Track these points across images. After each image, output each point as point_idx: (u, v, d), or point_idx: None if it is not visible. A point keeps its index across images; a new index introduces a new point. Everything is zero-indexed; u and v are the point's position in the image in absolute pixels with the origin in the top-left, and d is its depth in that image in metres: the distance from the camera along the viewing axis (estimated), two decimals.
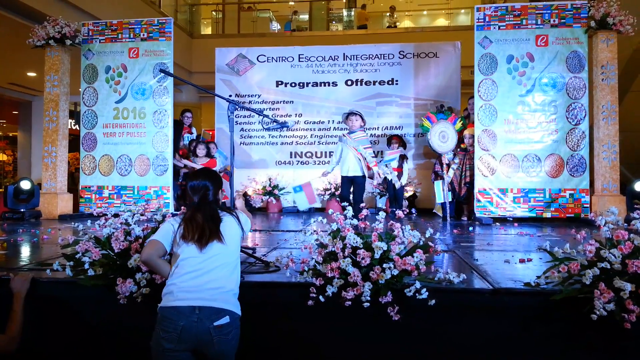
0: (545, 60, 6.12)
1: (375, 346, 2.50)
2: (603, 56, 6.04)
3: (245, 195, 8.05)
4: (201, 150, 7.14)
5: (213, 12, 14.81)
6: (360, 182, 5.54)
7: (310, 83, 8.30)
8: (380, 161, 6.81)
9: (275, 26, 15.14)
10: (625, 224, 2.42)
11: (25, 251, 3.90)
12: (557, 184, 6.08)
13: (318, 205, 7.01)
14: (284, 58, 8.37)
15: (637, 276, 2.19)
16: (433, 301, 2.31)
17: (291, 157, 8.31)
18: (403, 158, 7.09)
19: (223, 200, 2.48)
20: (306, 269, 2.53)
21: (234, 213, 2.38)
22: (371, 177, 5.61)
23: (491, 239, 4.63)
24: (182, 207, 2.67)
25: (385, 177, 6.90)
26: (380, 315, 2.34)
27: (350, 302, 2.32)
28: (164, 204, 6.45)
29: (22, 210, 6.28)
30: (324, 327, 2.53)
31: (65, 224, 5.90)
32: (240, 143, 8.30)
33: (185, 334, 2.00)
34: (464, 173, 6.49)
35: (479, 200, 6.14)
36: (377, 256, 2.39)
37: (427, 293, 2.32)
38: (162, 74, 6.55)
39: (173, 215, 2.53)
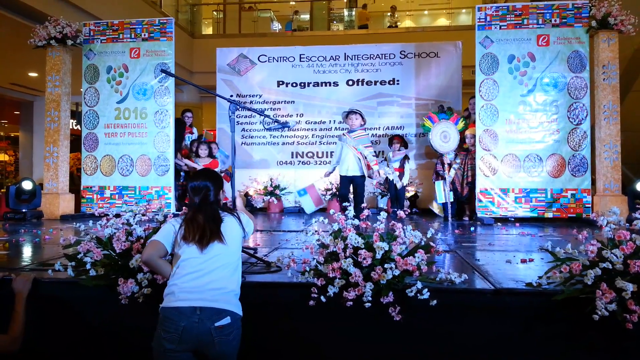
0: (547, 60, 6.11)
1: (376, 346, 2.51)
2: (604, 56, 6.04)
3: (246, 195, 8.05)
4: (203, 150, 7.14)
5: (214, 12, 14.83)
6: (360, 182, 5.52)
7: (311, 83, 8.30)
8: (382, 162, 6.81)
9: (276, 26, 15.14)
10: (627, 224, 2.42)
11: (27, 251, 3.90)
12: (559, 184, 6.08)
13: (322, 205, 7.00)
14: (285, 58, 8.37)
15: (639, 276, 2.18)
16: (435, 301, 2.31)
17: (292, 157, 8.32)
18: (405, 158, 7.08)
19: (224, 201, 2.48)
20: (307, 269, 2.53)
21: (235, 213, 2.38)
22: (371, 177, 5.58)
23: (493, 239, 4.63)
24: (184, 208, 2.67)
25: (387, 177, 6.91)
26: (381, 315, 2.34)
27: (351, 303, 2.32)
28: (165, 204, 6.45)
29: (23, 210, 6.29)
30: (325, 328, 2.53)
31: (67, 224, 5.90)
32: (242, 143, 8.30)
33: (187, 335, 2.01)
34: (466, 173, 6.48)
35: (480, 200, 6.14)
36: (378, 256, 2.39)
37: (428, 293, 2.31)
38: (163, 74, 6.56)
39: (174, 215, 2.54)
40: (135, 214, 2.82)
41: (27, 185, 6.41)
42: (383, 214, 2.56)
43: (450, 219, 6.33)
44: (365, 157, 5.46)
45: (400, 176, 6.91)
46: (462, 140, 6.55)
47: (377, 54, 8.18)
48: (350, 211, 2.58)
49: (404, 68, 8.12)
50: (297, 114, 8.30)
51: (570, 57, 6.08)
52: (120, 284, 2.50)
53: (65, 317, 2.74)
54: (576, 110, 6.07)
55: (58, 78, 6.84)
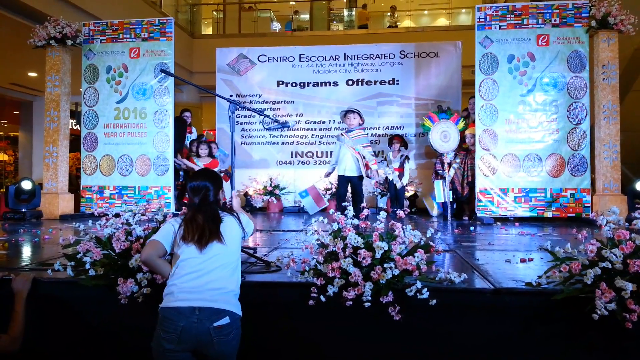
0: (546, 60, 6.11)
1: (376, 346, 2.51)
2: (604, 56, 6.04)
3: (246, 195, 8.05)
4: (203, 150, 7.14)
5: (214, 12, 14.83)
6: (357, 183, 5.48)
7: (311, 83, 8.31)
8: (382, 162, 6.80)
9: (276, 26, 15.15)
10: (627, 224, 2.42)
11: (26, 251, 3.90)
12: (558, 183, 6.08)
13: (324, 205, 7.00)
14: (284, 58, 8.37)
15: (638, 276, 2.18)
16: (434, 301, 2.31)
17: (292, 157, 8.32)
18: (405, 158, 7.08)
19: (223, 202, 2.48)
20: (307, 268, 2.54)
21: (235, 214, 2.38)
22: (369, 177, 5.55)
23: (492, 238, 4.63)
24: (183, 208, 2.67)
25: (387, 177, 6.90)
26: (381, 315, 2.34)
27: (351, 302, 2.32)
28: (165, 204, 6.45)
29: (23, 210, 6.28)
30: (325, 327, 2.53)
31: (67, 224, 5.90)
32: (241, 143, 8.30)
33: (185, 335, 2.00)
34: (466, 173, 6.48)
35: (480, 200, 6.14)
36: (378, 256, 2.39)
37: (428, 293, 2.31)
38: (163, 74, 6.55)
39: (174, 215, 2.53)
40: (135, 214, 2.81)
41: (26, 185, 6.41)
42: (382, 214, 2.56)
43: (449, 218, 6.33)
44: (364, 157, 5.42)
45: (400, 176, 6.92)
46: (462, 140, 6.55)
47: (377, 54, 8.19)
48: (350, 211, 2.58)
49: (404, 68, 8.12)
50: (297, 114, 8.30)
51: (570, 57, 6.09)
52: (120, 283, 2.50)
53: (65, 317, 2.73)
54: (576, 110, 6.07)
55: (58, 78, 6.84)
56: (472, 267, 3.04)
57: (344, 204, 5.19)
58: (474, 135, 6.29)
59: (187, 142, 7.55)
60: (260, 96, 8.38)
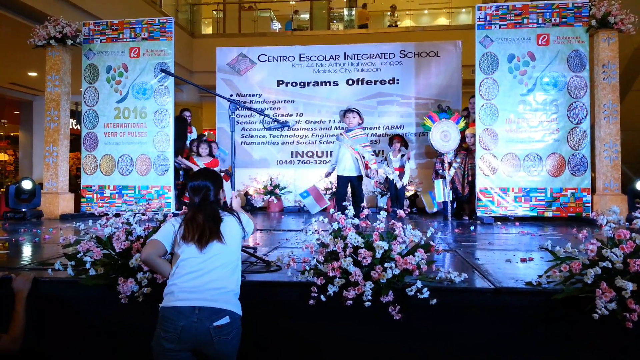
0: (547, 59, 6.11)
1: (376, 345, 2.51)
2: (604, 55, 6.04)
3: (246, 194, 8.05)
4: (204, 149, 7.14)
5: (214, 12, 14.83)
6: (357, 183, 5.47)
7: (311, 82, 8.30)
8: (382, 162, 6.79)
9: (276, 26, 15.14)
10: (627, 223, 2.42)
11: (26, 251, 3.90)
12: (559, 183, 6.08)
13: (326, 204, 7.00)
14: (284, 57, 8.37)
15: (638, 275, 2.18)
16: (434, 300, 2.31)
17: (292, 157, 8.32)
18: (405, 157, 7.08)
19: (223, 201, 2.48)
20: (307, 268, 2.53)
21: (235, 213, 2.38)
22: (369, 177, 5.54)
23: (492, 238, 4.63)
24: (183, 207, 2.67)
25: (387, 177, 6.90)
26: (381, 314, 2.34)
27: (351, 302, 2.32)
28: (165, 204, 6.45)
29: (23, 210, 6.29)
30: (325, 327, 2.53)
31: (67, 224, 5.90)
32: (242, 142, 8.30)
33: (185, 334, 2.00)
34: (466, 172, 6.47)
35: (480, 200, 6.14)
36: (378, 255, 2.39)
37: (428, 292, 2.31)
38: (163, 74, 6.55)
39: (174, 215, 2.53)
40: (135, 214, 2.81)
41: (26, 184, 6.41)
42: (383, 213, 2.56)
43: (449, 218, 6.33)
44: (363, 157, 5.40)
45: (401, 176, 6.91)
46: (462, 139, 6.54)
47: (377, 54, 8.18)
48: (350, 210, 2.58)
49: (404, 67, 8.12)
50: (297, 114, 8.30)
51: (570, 57, 6.08)
52: (120, 283, 2.50)
53: (65, 317, 2.74)
54: (576, 110, 6.07)
55: (58, 78, 6.84)
56: (472, 267, 3.04)
57: (344, 203, 5.18)
58: (474, 135, 6.29)
59: (188, 142, 7.55)
60: (260, 96, 8.37)
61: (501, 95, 6.16)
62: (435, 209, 6.66)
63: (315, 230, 2.58)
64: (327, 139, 8.18)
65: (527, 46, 6.13)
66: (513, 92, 6.15)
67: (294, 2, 15.17)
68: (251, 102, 8.31)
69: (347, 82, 8.23)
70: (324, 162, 8.03)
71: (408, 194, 7.45)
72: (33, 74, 10.63)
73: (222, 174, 6.73)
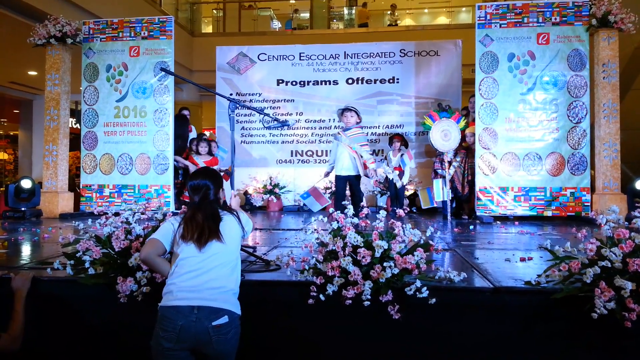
0: (547, 59, 6.10)
1: (375, 345, 2.51)
2: (604, 54, 6.03)
3: (246, 193, 8.05)
4: (203, 148, 7.13)
5: (214, 11, 14.81)
6: (355, 182, 5.46)
7: (311, 81, 8.30)
8: (382, 161, 6.79)
9: (276, 24, 15.12)
10: (626, 223, 2.42)
11: (26, 250, 3.90)
12: (558, 182, 6.07)
13: (327, 203, 7.00)
14: (284, 56, 8.36)
15: (637, 275, 2.18)
16: (434, 300, 2.31)
17: (292, 156, 8.32)
18: (404, 154, 7.07)
19: (223, 200, 2.48)
20: (307, 267, 2.53)
21: (235, 212, 2.38)
22: (368, 176, 5.52)
23: (492, 237, 4.63)
24: (183, 206, 2.67)
25: (387, 176, 6.89)
26: (380, 314, 2.34)
27: (350, 301, 2.32)
28: (164, 203, 6.44)
29: (23, 209, 6.28)
30: (324, 326, 2.53)
31: (66, 223, 5.90)
32: (241, 142, 8.30)
33: (184, 334, 2.00)
34: (466, 171, 6.47)
35: (479, 199, 6.13)
36: (377, 255, 2.39)
37: (427, 292, 2.31)
38: (163, 73, 6.55)
39: (174, 214, 2.53)
40: (135, 213, 2.81)
41: (26, 183, 6.41)
42: (382, 213, 2.56)
43: (449, 217, 6.33)
44: (361, 156, 5.39)
45: (400, 175, 6.91)
46: (462, 138, 6.54)
47: (377, 53, 8.18)
48: (350, 210, 2.58)
49: (404, 66, 8.12)
50: (297, 113, 8.30)
51: (570, 56, 6.08)
52: (119, 282, 2.50)
53: (64, 316, 2.73)
54: (576, 109, 6.07)
55: (57, 76, 6.83)
56: (471, 266, 3.04)
57: (343, 202, 5.18)
58: (474, 134, 6.29)
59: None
60: (260, 95, 8.37)
61: (501, 94, 6.15)
62: (430, 205, 6.64)
63: (315, 230, 2.58)
64: (326, 138, 8.18)
65: (527, 45, 6.13)
66: (513, 91, 6.14)
67: (294, 1, 15.16)
68: (251, 101, 8.31)
69: (347, 81, 8.23)
70: (324, 161, 8.03)
71: (408, 193, 7.45)
72: (33, 73, 10.62)
73: (222, 174, 6.73)
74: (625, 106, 7.33)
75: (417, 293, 2.31)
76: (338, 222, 2.54)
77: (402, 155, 7.05)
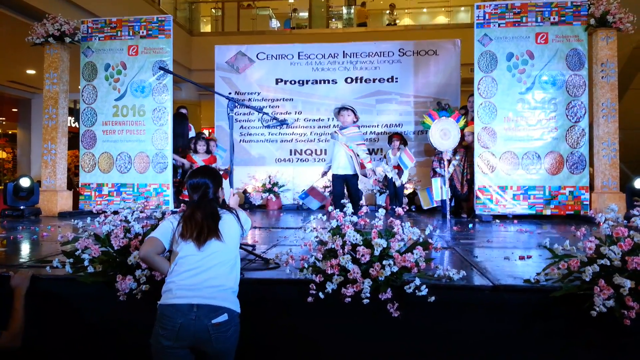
0: (545, 58, 6.11)
1: (374, 343, 2.51)
2: (603, 54, 6.04)
3: (244, 192, 8.04)
4: (201, 146, 7.13)
5: (212, 10, 14.78)
6: (353, 182, 5.45)
7: (309, 81, 8.30)
8: (381, 160, 6.79)
9: (275, 24, 15.11)
10: (625, 221, 2.42)
11: (25, 248, 3.90)
12: (557, 181, 6.08)
13: (327, 200, 7.00)
14: (283, 56, 8.36)
15: (636, 273, 2.19)
16: (433, 298, 2.32)
17: (291, 155, 8.32)
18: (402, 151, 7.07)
19: (222, 199, 2.48)
20: (306, 265, 2.53)
21: (234, 211, 2.37)
22: (365, 176, 5.51)
23: (491, 236, 4.64)
24: (182, 205, 2.67)
25: (386, 175, 6.90)
26: (379, 312, 2.34)
27: (349, 299, 2.32)
28: (163, 201, 6.44)
29: (21, 207, 6.28)
30: (323, 324, 2.53)
31: (65, 221, 5.90)
32: (240, 140, 8.29)
33: (183, 332, 2.00)
34: (465, 170, 6.48)
35: (478, 198, 6.14)
36: (376, 253, 2.39)
37: (426, 290, 2.32)
38: (162, 72, 6.54)
39: (173, 212, 2.53)
40: (133, 211, 2.81)
41: (25, 182, 6.40)
42: (381, 211, 2.56)
43: (448, 216, 6.33)
44: (358, 155, 5.37)
45: (399, 174, 6.91)
46: (462, 137, 6.54)
47: (376, 52, 8.18)
48: (349, 208, 2.58)
49: (403, 66, 8.12)
50: (296, 112, 8.30)
51: (569, 55, 6.08)
52: (118, 280, 2.50)
53: (64, 314, 2.73)
54: (574, 108, 6.08)
55: (56, 75, 6.82)
56: (470, 264, 3.04)
57: (342, 201, 5.16)
58: (472, 133, 6.29)
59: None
60: (259, 94, 8.37)
61: (500, 93, 6.16)
62: (431, 205, 6.65)
63: (314, 228, 2.58)
64: (325, 137, 8.17)
65: (526, 45, 6.13)
66: (512, 90, 6.15)
67: (292, 0, 15.15)
68: (250, 100, 8.30)
69: (345, 80, 8.23)
70: (323, 160, 8.02)
71: (407, 191, 7.45)
72: (31, 71, 10.60)
73: (221, 173, 6.72)
74: (624, 105, 7.34)
75: (417, 291, 2.32)
76: (337, 221, 2.54)
77: (400, 153, 7.05)
